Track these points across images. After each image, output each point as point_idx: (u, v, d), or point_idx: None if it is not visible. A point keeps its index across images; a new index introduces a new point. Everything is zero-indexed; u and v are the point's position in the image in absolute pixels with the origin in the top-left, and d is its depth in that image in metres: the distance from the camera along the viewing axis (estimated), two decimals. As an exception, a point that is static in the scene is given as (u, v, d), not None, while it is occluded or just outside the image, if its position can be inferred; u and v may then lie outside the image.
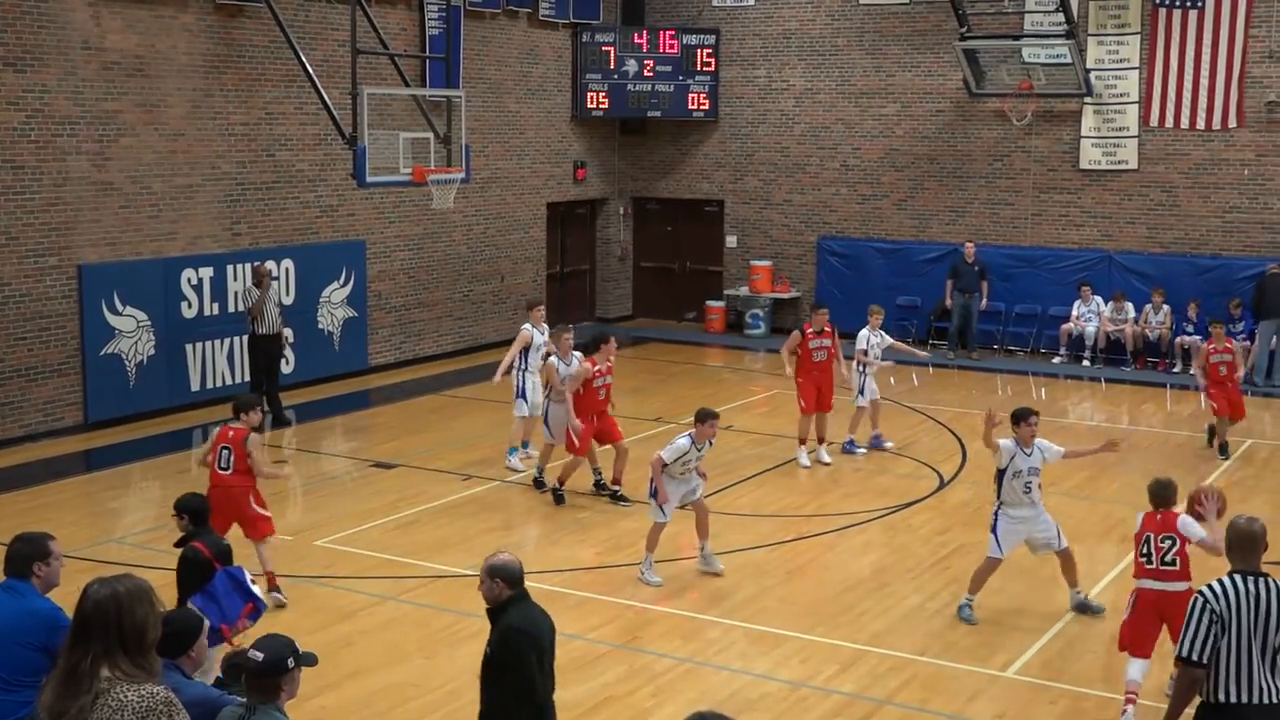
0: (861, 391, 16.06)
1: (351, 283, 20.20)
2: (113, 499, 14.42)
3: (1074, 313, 22.06)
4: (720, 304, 25.23)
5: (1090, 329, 21.89)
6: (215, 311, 18.11)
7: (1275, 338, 20.34)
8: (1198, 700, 6.53)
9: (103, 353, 16.76)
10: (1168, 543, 9.12)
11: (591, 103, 24.79)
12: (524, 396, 15.27)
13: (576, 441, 13.81)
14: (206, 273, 18.00)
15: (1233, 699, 6.36)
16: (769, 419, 18.01)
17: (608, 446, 14.22)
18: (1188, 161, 21.80)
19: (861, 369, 16.08)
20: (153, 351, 17.35)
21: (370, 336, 20.68)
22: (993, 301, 22.58)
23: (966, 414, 18.17)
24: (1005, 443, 10.66)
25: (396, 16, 20.58)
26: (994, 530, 10.90)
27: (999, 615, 10.98)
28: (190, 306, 17.82)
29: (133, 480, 15.19)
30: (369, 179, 17.09)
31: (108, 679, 4.66)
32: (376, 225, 20.77)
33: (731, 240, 25.57)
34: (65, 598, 6.01)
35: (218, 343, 18.19)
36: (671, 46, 24.78)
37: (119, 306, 16.92)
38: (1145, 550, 9.18)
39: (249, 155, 18.61)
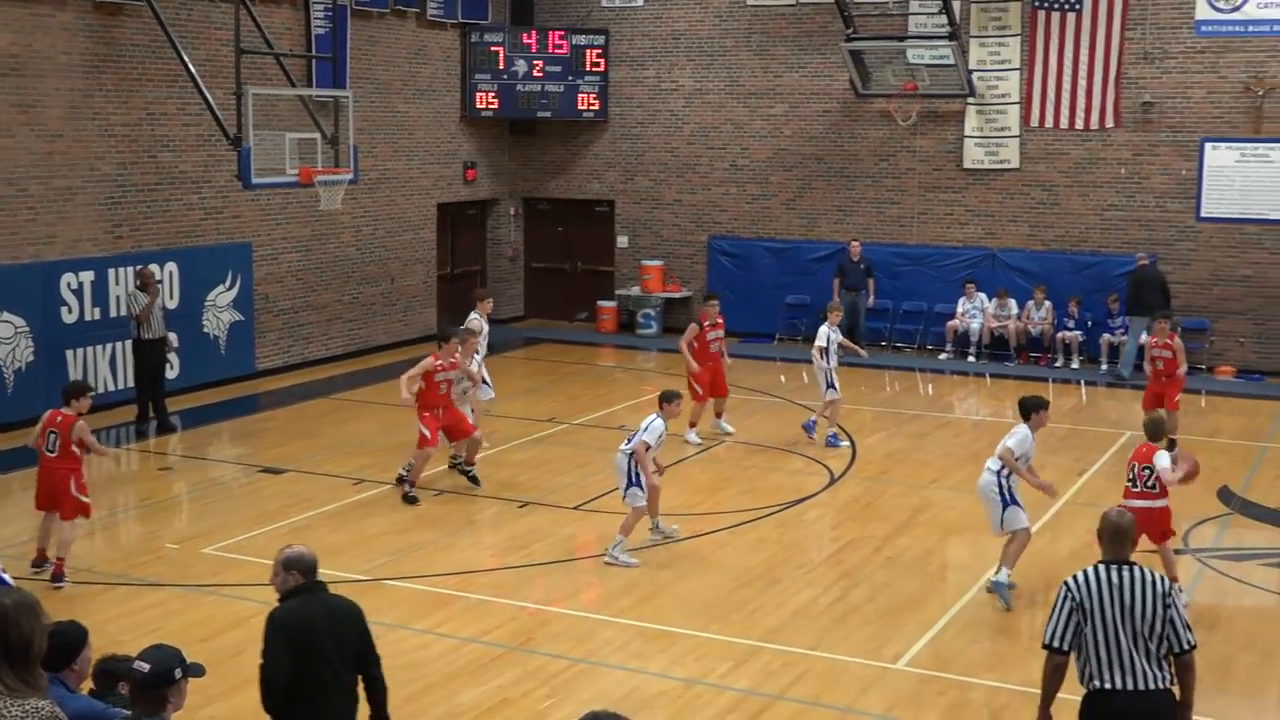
0: (832, 386, 16.44)
1: (238, 286, 19.89)
2: (-9, 509, 14.04)
3: (959, 310, 22.47)
4: (612, 304, 25.27)
5: (975, 325, 22.32)
6: (97, 316, 17.72)
7: (1145, 333, 20.84)
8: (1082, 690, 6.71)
9: (-21, 359, 16.32)
10: (1147, 471, 10.83)
11: (481, 103, 24.68)
12: (487, 382, 15.73)
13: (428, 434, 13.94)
14: (87, 277, 17.60)
15: (1108, 685, 6.52)
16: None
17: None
18: (1067, 161, 22.31)
19: (826, 363, 16.44)
20: (31, 358, 16.93)
21: (257, 340, 20.38)
22: (880, 299, 22.91)
23: (856, 410, 18.40)
24: (1024, 430, 11.54)
25: (281, 16, 20.31)
26: (1017, 503, 11.43)
27: (890, 608, 11.15)
28: (70, 311, 17.42)
29: (12, 491, 14.79)
30: (255, 180, 16.86)
31: (-10, 694, 4.55)
32: (263, 227, 20.47)
33: (622, 240, 25.63)
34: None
35: (99, 348, 17.81)
36: (561, 47, 24.76)
37: (-5, 312, 16.49)
38: (1131, 476, 10.93)
39: (130, 156, 18.24)
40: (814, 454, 16.20)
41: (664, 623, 10.78)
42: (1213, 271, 21.56)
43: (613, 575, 11.94)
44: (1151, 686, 6.51)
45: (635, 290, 25.00)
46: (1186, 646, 6.57)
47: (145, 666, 5.32)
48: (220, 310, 19.59)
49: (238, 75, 16.80)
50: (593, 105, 25.00)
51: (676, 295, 24.81)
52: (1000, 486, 11.38)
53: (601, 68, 24.86)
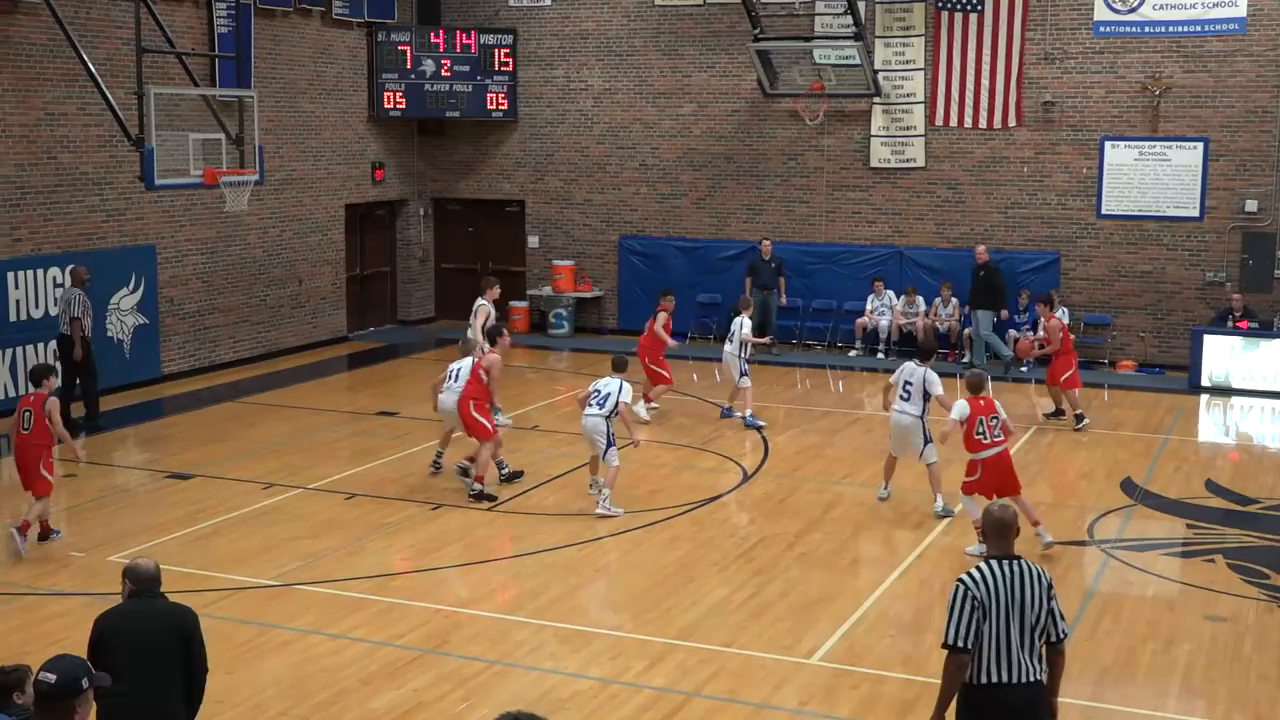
0: (744, 374, 17.54)
1: (142, 289, 19.56)
2: (-113, 520, 13.66)
3: (868, 307, 22.70)
4: (524, 304, 25.19)
5: (884, 323, 22.57)
6: (-5, 321, 17.34)
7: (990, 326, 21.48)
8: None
9: (-128, 367, 15.89)
10: (994, 421, 12.27)
11: (388, 103, 24.49)
12: None
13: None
14: (-15, 281, 17.22)
15: (993, 679, 6.63)
16: (573, 419, 18.05)
17: None
18: (971, 159, 22.63)
19: (743, 352, 17.57)
20: (-72, 364, 16.53)
21: (163, 344, 20.06)
22: (790, 297, 23.07)
23: (768, 408, 18.51)
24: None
25: (183, 14, 20.00)
26: (931, 440, 13.74)
27: (804, 603, 11.24)
28: (-32, 316, 17.03)
29: (-91, 500, 14.43)
30: (158, 181, 16.59)
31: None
32: (167, 229, 20.14)
33: (533, 240, 25.57)
34: None
35: (-1, 353, 17.43)
36: (469, 46, 24.64)
37: (-111, 318, 16.07)
38: (980, 430, 12.23)
39: (28, 157, 17.86)
40: (727, 452, 16.28)
41: (579, 623, 10.78)
42: (1113, 268, 21.99)
43: (527, 577, 11.91)
44: (1031, 679, 6.66)
45: (547, 290, 24.95)
46: (1062, 636, 6.76)
47: (51, 677, 5.21)
48: (124, 314, 19.24)
49: (139, 74, 16.51)
50: (501, 105, 24.91)
51: (588, 295, 24.80)
52: (924, 427, 13.66)
53: (510, 67, 24.78)
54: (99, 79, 16.79)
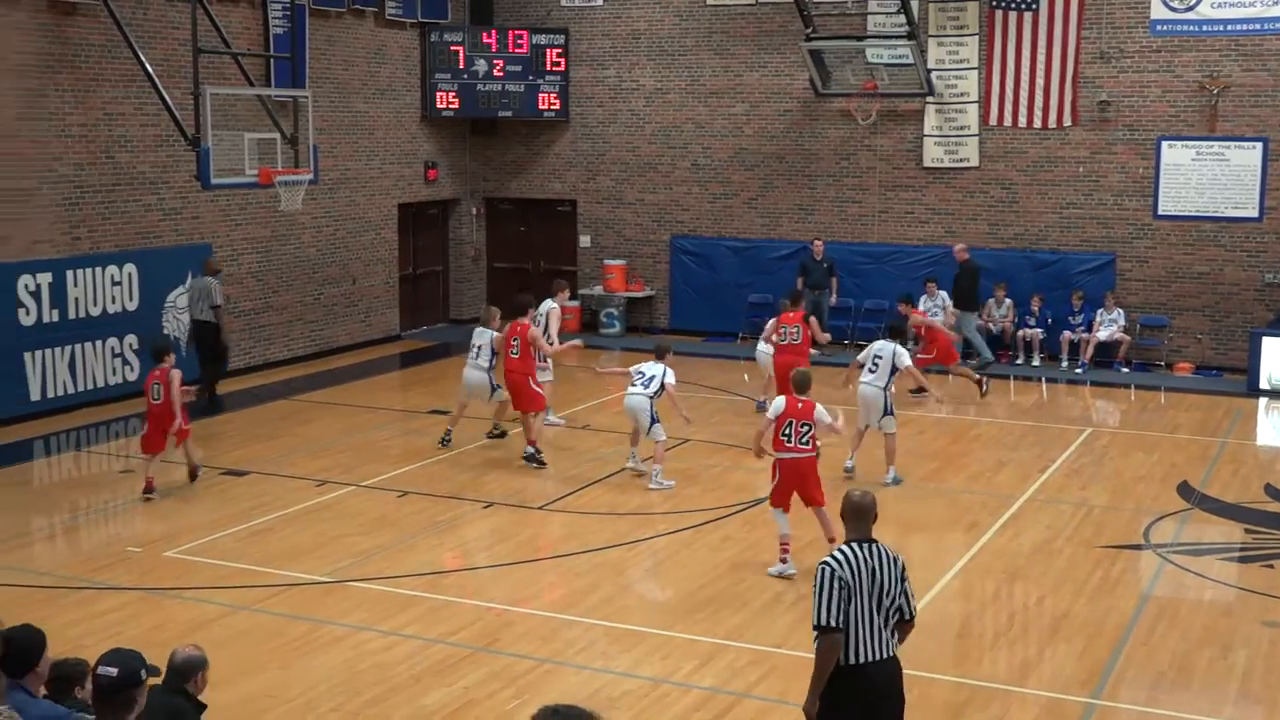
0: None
1: (197, 287, 19.74)
2: (-52, 514, 13.89)
3: (920, 307, 22.52)
4: (575, 304, 25.22)
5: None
6: (55, 318, 17.56)
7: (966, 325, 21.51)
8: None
9: (-65, 363, 16.15)
10: (805, 428, 11.76)
11: (441, 103, 24.61)
12: (546, 365, 16.73)
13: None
14: (45, 278, 17.44)
15: (863, 659, 6.84)
16: (624, 418, 18.07)
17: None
18: (1026, 159, 22.45)
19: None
20: (-12, 361, 16.77)
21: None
22: (842, 297, 22.98)
23: (818, 409, 18.41)
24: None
25: (239, 15, 20.18)
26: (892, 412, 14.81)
27: (853, 605, 11.17)
28: (28, 314, 17.26)
29: (-29, 494, 14.67)
30: (214, 180, 16.77)
31: (-52, 701, 4.50)
32: (222, 228, 20.33)
33: (585, 240, 25.61)
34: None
35: (58, 350, 17.65)
36: (521, 46, 24.72)
37: (-49, 315, 16.32)
38: (787, 431, 11.75)
39: (87, 157, 18.08)
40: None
41: (629, 622, 10.78)
42: (1170, 269, 21.75)
43: (577, 575, 11.93)
44: (889, 655, 6.93)
45: (598, 290, 24.98)
46: (912, 614, 7.07)
47: (113, 671, 5.27)
48: (180, 312, 19.42)
49: (195, 75, 16.68)
50: (553, 105, 24.97)
51: (639, 294, 24.81)
52: (887, 398, 14.62)
53: (562, 67, 24.83)
54: (156, 79, 16.98)
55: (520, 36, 24.71)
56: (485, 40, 24.63)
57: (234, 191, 19.58)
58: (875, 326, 22.98)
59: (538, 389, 15.49)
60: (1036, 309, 21.86)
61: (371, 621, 10.68)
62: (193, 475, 14.62)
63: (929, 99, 22.75)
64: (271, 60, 20.55)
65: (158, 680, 5.69)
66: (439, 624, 10.66)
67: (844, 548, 6.95)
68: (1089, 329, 21.40)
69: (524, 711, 9.09)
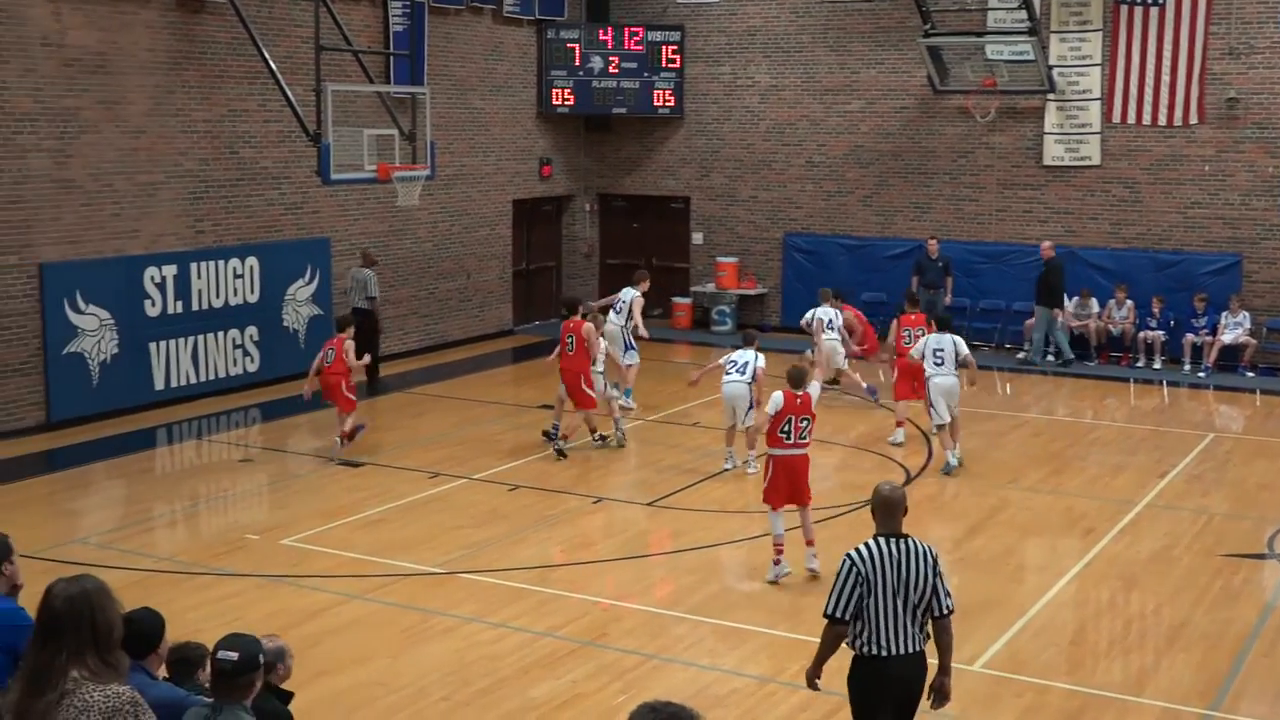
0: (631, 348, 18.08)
1: (316, 280, 20.11)
2: (75, 499, 14.30)
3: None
4: (687, 300, 25.24)
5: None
6: (179, 310, 18.00)
7: (1049, 323, 21.40)
8: (851, 653, 7.09)
9: (65, 352, 16.62)
10: (805, 422, 11.51)
11: (557, 99, 24.76)
12: (634, 348, 17.90)
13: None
14: (170, 271, 17.88)
15: (884, 652, 6.93)
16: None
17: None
18: (1149, 157, 21.96)
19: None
20: (116, 350, 17.23)
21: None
22: (957, 297, 22.67)
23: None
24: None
25: (360, 13, 20.50)
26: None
27: (966, 608, 11.01)
28: (154, 305, 17.71)
29: (95, 480, 15.08)
30: (333, 176, 17.02)
31: (74, 679, 4.62)
32: (341, 223, 20.67)
33: (698, 237, 25.60)
34: (27, 599, 5.95)
35: (181, 341, 18.08)
36: (636, 43, 24.77)
37: (81, 305, 16.79)
38: (785, 429, 11.43)
39: (212, 152, 18.49)
40: (888, 452, 16.09)
41: (736, 620, 10.75)
42: (1299, 271, 21.14)
43: (685, 572, 11.92)
44: (915, 650, 6.98)
45: (710, 287, 24.95)
46: (946, 611, 7.07)
47: (234, 655, 5.37)
48: (299, 304, 19.81)
49: (317, 72, 16.97)
50: (668, 102, 24.99)
51: (751, 292, 24.74)
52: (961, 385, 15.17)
53: (677, 64, 24.84)
54: (279, 76, 17.30)
55: (636, 33, 24.77)
56: (601, 37, 24.73)
57: (352, 187, 19.89)
58: (991, 327, 22.73)
59: (589, 390, 15.76)
60: (1158, 310, 21.38)
61: (481, 613, 10.78)
62: (346, 438, 15.56)
63: (1050, 96, 22.36)
64: (391, 57, 20.83)
65: (270, 659, 5.79)
66: (547, 617, 10.72)
67: (870, 541, 7.04)
68: (1213, 332, 20.88)
69: (630, 707, 9.10)
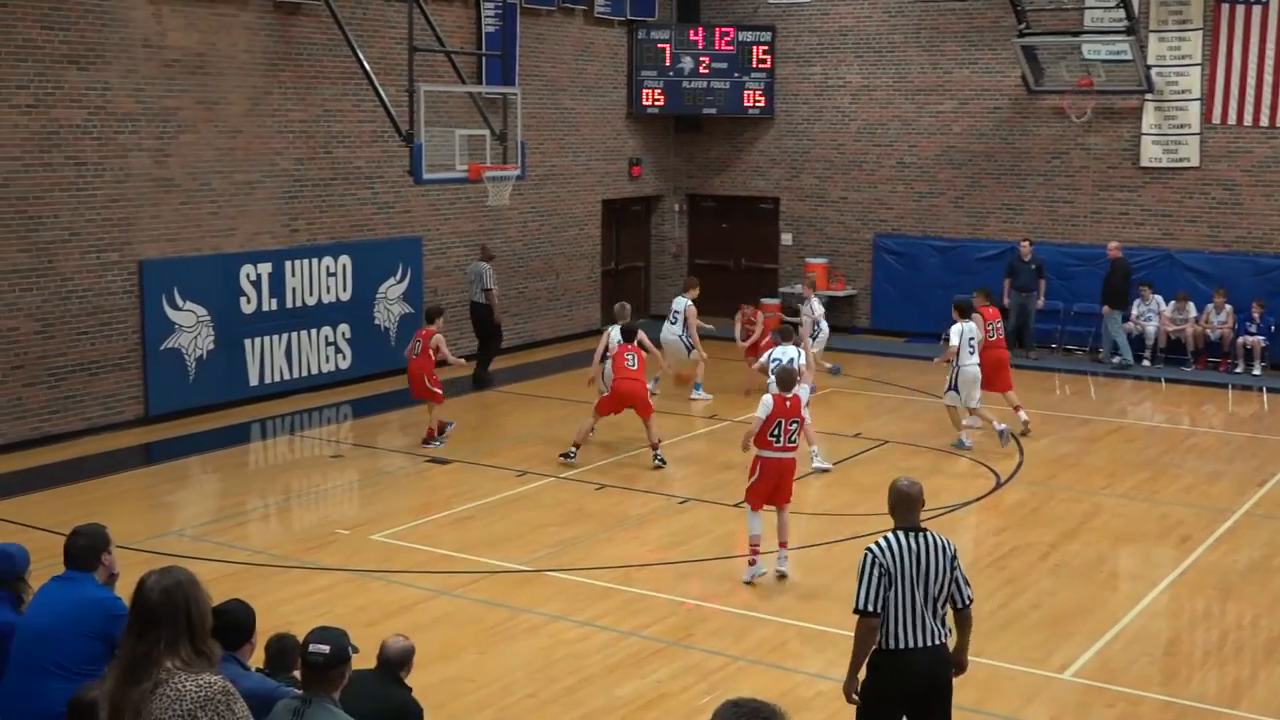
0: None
1: (408, 279, 20.32)
2: (171, 492, 14.58)
3: (1134, 312, 21.79)
4: (775, 302, 25.10)
5: (1150, 328, 21.62)
6: (274, 307, 18.27)
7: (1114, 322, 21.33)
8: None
9: (163, 347, 16.94)
10: (794, 425, 11.52)
11: (647, 100, 24.79)
12: (695, 346, 18.80)
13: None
14: (265, 268, 18.16)
15: (903, 645, 6.96)
16: (823, 417, 17.96)
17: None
18: (1251, 159, 21.49)
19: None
20: (212, 346, 17.53)
21: (426, 332, 20.74)
22: (1050, 300, 22.35)
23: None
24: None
25: (453, 14, 20.67)
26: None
27: (1057, 616, 10.88)
28: (249, 302, 17.99)
29: (191, 473, 15.37)
30: (425, 176, 17.18)
31: (168, 669, 4.69)
32: (432, 222, 20.86)
33: (787, 238, 25.49)
34: (121, 589, 6.07)
35: (275, 338, 18.35)
36: (727, 44, 24.73)
37: (179, 301, 17.11)
38: (775, 432, 11.43)
39: (307, 152, 18.75)
40: (979, 457, 15.91)
41: (822, 623, 10.68)
42: (1407, 275, 20.57)
43: (771, 574, 11.86)
44: (937, 642, 7.02)
45: (799, 288, 24.80)
46: (967, 602, 7.15)
47: (325, 649, 5.44)
48: (391, 303, 20.03)
49: (410, 72, 17.13)
50: (758, 102, 24.92)
51: (841, 293, 24.58)
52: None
53: (768, 64, 24.76)
54: (373, 77, 17.50)
55: (727, 33, 24.72)
56: (692, 37, 24.72)
57: (444, 186, 20.06)
58: (1085, 331, 22.37)
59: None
60: (1258, 315, 20.91)
61: (567, 611, 10.82)
62: (430, 436, 15.98)
63: (1148, 96, 21.97)
64: (483, 58, 20.98)
65: (357, 653, 5.85)
66: (633, 617, 10.74)
67: (889, 535, 7.10)
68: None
69: (715, 708, 9.08)
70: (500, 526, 13.09)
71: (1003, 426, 16.15)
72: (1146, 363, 21.52)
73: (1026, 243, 22.30)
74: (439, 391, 16.02)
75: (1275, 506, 14.05)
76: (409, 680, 7.23)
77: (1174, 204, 22.12)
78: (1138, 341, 21.73)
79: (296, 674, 6.32)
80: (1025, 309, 22.11)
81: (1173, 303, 21.56)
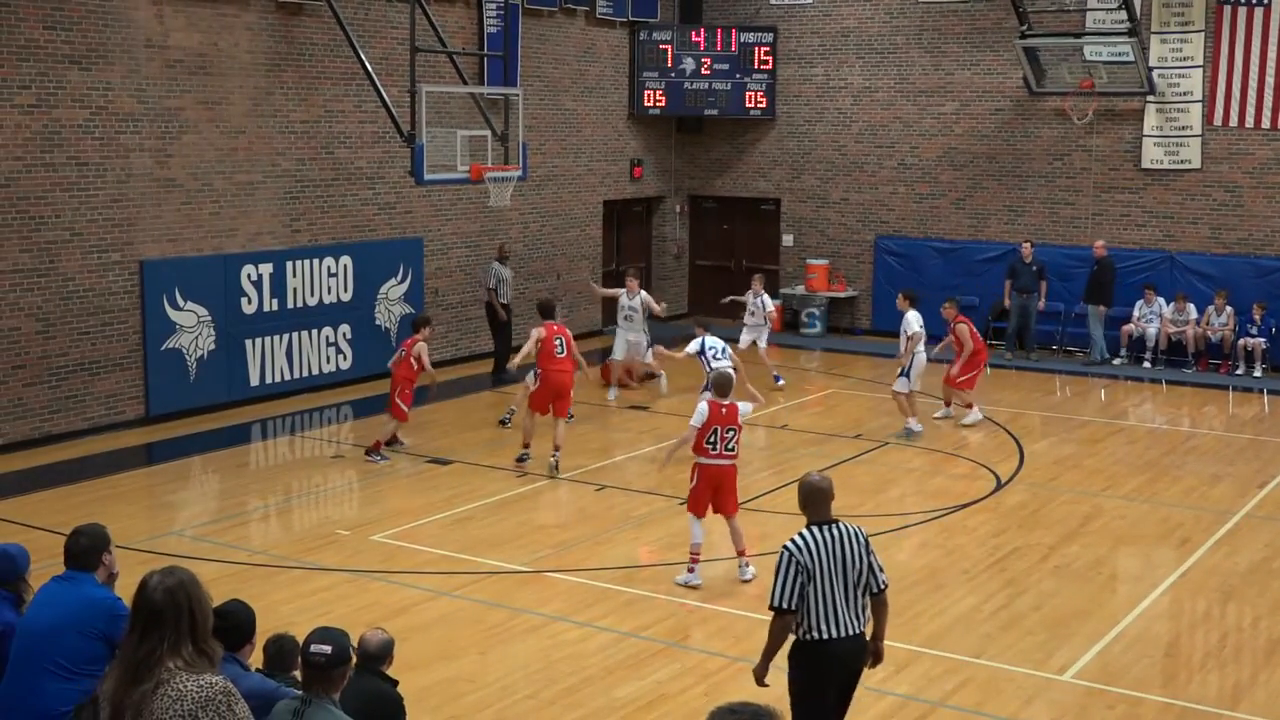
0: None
1: (409, 279, 20.32)
2: (172, 492, 14.59)
3: (1135, 314, 21.79)
4: (777, 301, 25.11)
5: (1151, 330, 21.62)
6: (275, 307, 18.28)
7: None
8: (791, 639, 7.32)
9: (164, 347, 16.95)
10: (731, 433, 11.38)
11: (649, 101, 24.79)
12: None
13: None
14: (266, 269, 18.16)
15: (825, 635, 7.18)
16: (823, 418, 17.97)
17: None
18: (1252, 161, 21.50)
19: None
20: (213, 346, 17.54)
21: (427, 333, 20.75)
22: (1051, 302, 22.36)
23: (1023, 414, 18.03)
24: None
25: (455, 15, 20.68)
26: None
27: (1057, 618, 10.88)
28: (250, 302, 17.99)
29: (192, 474, 15.37)
30: (427, 176, 17.18)
31: (169, 669, 4.70)
32: (434, 223, 20.87)
33: (788, 239, 25.50)
34: (121, 589, 6.07)
35: (276, 338, 18.36)
36: (729, 44, 24.74)
37: (180, 302, 17.11)
38: (712, 439, 11.33)
39: (308, 153, 18.76)
40: (980, 458, 15.91)
41: (823, 624, 10.67)
42: None
43: (769, 575, 11.80)
44: (854, 632, 7.23)
45: (800, 289, 24.84)
46: (882, 587, 7.35)
47: (326, 649, 5.45)
48: (391, 303, 20.03)
49: (412, 73, 17.14)
50: (760, 103, 24.92)
51: (841, 295, 24.59)
52: None
53: (770, 65, 24.76)
54: (375, 77, 17.50)
55: (729, 35, 24.73)
56: (694, 39, 24.72)
57: (445, 187, 20.07)
58: (1086, 333, 22.35)
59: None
60: (1259, 317, 20.91)
61: (567, 612, 10.83)
62: (376, 448, 15.49)
63: (1150, 98, 21.98)
64: (485, 59, 20.99)
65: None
66: (633, 618, 10.74)
67: (805, 531, 7.26)
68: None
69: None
70: (500, 527, 13.09)
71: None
72: (1147, 364, 21.51)
73: (1028, 244, 22.30)
74: (404, 407, 15.60)
75: (1276, 508, 14.05)
76: (407, 678, 7.23)
77: (1175, 206, 22.12)
78: (1138, 343, 21.73)
79: (296, 674, 6.34)
80: (1026, 311, 22.11)
81: (1173, 304, 21.56)
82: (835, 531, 7.27)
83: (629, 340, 19.34)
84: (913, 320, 16.84)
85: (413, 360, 15.53)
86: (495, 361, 20.40)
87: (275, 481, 15.15)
